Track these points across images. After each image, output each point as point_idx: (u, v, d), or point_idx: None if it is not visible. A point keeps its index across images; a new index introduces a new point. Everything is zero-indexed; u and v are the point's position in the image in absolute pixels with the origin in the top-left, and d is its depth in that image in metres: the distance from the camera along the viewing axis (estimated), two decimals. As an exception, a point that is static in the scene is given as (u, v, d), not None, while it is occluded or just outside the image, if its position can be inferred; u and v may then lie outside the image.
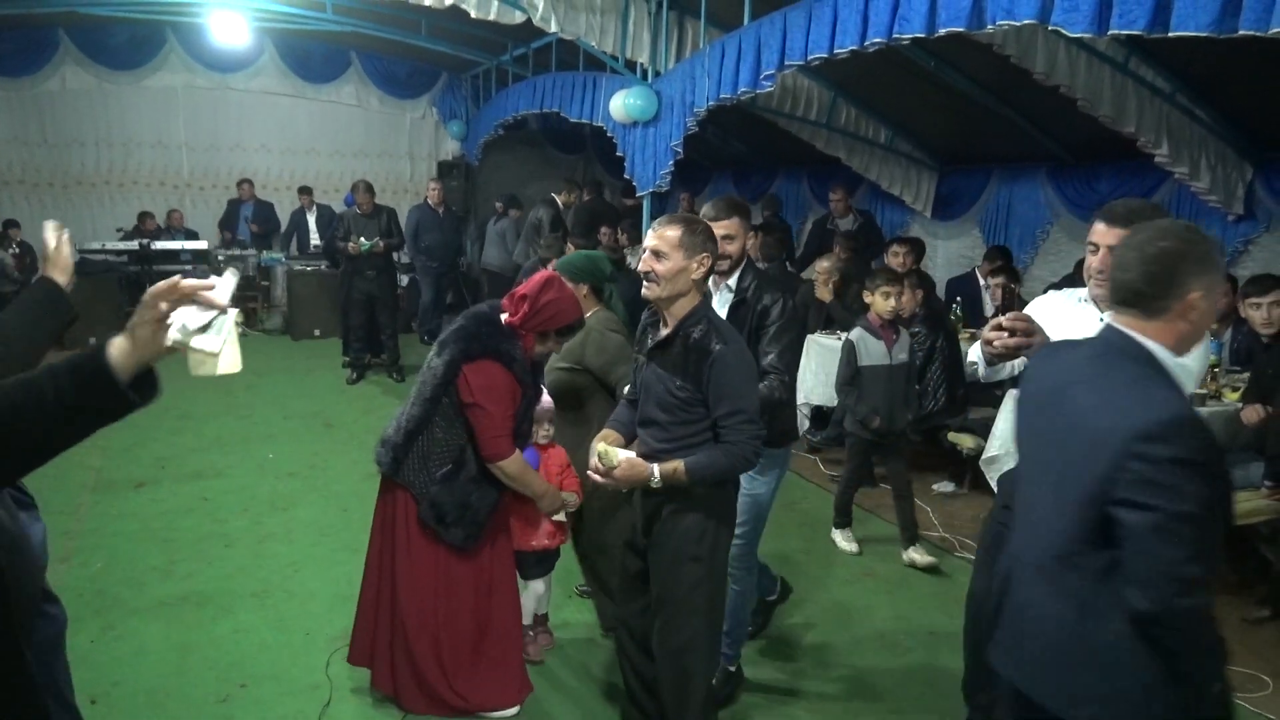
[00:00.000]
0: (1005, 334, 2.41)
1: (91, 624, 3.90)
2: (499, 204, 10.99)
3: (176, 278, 1.49)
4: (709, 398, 2.60)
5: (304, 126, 12.33)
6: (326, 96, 12.29)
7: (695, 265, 2.64)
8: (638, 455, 2.68)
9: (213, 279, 1.51)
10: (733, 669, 3.48)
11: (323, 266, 10.73)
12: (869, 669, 3.78)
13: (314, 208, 11.41)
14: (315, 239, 11.35)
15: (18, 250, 10.35)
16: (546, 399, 3.48)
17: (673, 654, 2.74)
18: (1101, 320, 2.27)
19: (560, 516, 3.50)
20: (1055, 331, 2.46)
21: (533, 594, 3.67)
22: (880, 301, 5.00)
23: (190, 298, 1.45)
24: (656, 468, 2.63)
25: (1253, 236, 6.45)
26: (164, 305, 1.44)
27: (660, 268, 2.62)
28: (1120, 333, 1.88)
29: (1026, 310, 2.63)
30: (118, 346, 1.42)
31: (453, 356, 3.07)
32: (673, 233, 2.65)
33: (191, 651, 3.70)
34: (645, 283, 2.67)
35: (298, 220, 11.46)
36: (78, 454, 5.48)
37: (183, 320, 1.43)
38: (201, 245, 10.74)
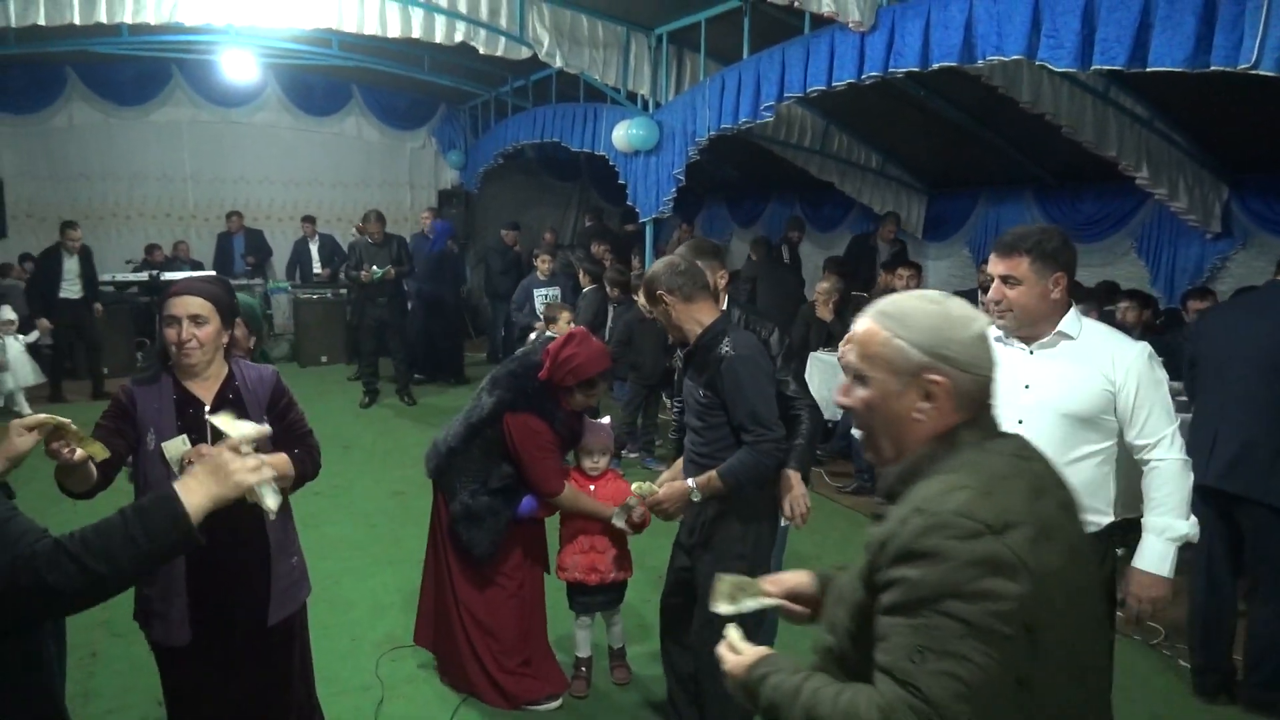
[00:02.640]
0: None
1: (147, 635, 4.10)
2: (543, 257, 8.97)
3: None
4: (725, 403, 2.83)
5: (306, 158, 12.60)
6: (328, 129, 12.58)
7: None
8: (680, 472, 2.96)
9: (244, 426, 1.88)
10: None
11: (328, 294, 10.97)
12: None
13: (316, 236, 11.67)
14: (317, 267, 11.60)
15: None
16: (603, 433, 3.63)
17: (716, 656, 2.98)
18: (1031, 353, 2.47)
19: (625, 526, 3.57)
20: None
21: (606, 627, 3.78)
22: None
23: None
24: (693, 482, 2.89)
25: (1229, 253, 6.81)
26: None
27: (666, 316, 2.93)
28: None
29: None
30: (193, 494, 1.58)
31: (499, 401, 3.34)
32: (655, 286, 2.88)
33: (245, 658, 3.91)
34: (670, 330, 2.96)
35: (300, 249, 11.71)
36: (116, 480, 5.73)
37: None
38: (209, 275, 10.93)
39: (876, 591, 1.32)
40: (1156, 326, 6.17)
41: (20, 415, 8.17)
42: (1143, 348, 2.45)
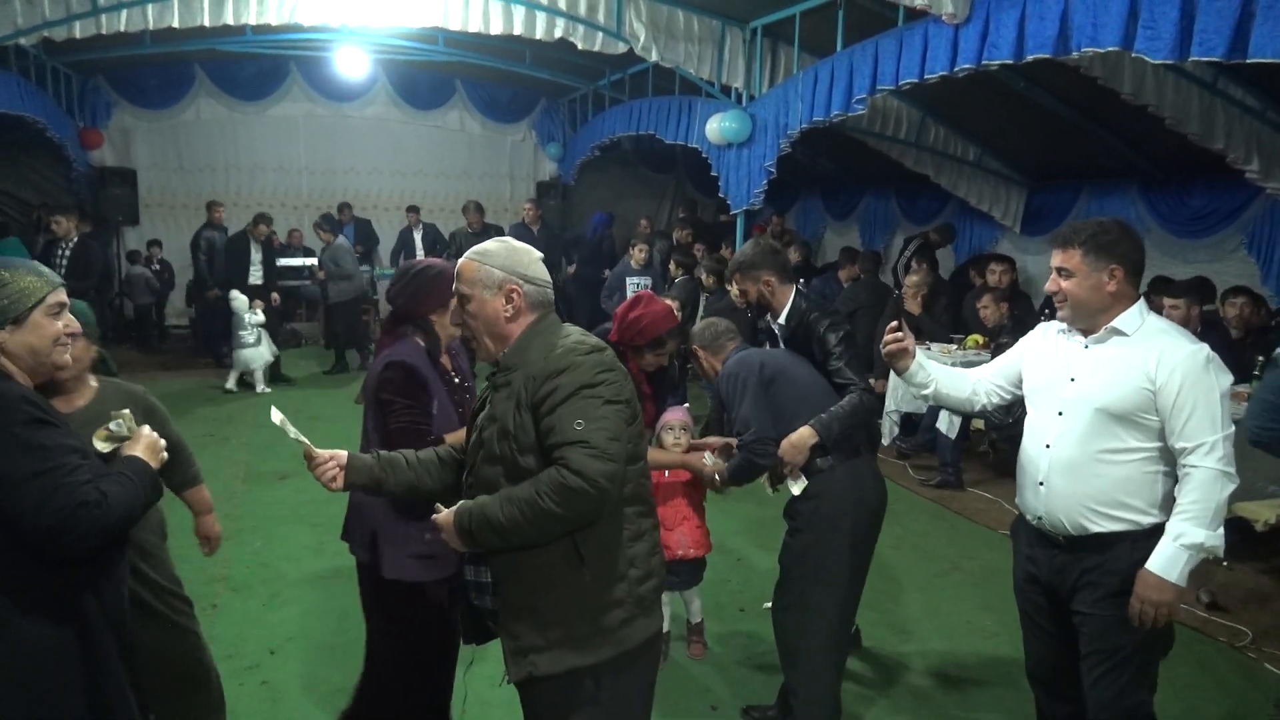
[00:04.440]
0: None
1: (261, 591, 4.47)
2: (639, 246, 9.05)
3: None
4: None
5: (412, 150, 13.10)
6: (433, 122, 13.03)
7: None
8: None
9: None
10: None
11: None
12: (959, 653, 4.07)
13: (420, 225, 12.13)
14: (421, 254, 12.06)
15: (158, 266, 11.32)
16: (678, 410, 3.79)
17: (776, 615, 3.15)
18: (1085, 346, 2.49)
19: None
20: (1037, 363, 2.64)
21: (684, 603, 3.94)
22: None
23: None
24: (718, 476, 3.32)
25: (1348, 249, 6.49)
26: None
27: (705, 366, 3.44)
28: None
29: (1021, 342, 2.80)
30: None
31: None
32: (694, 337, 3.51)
33: (349, 616, 4.19)
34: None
35: (405, 238, 12.16)
36: (227, 450, 6.27)
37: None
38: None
39: (536, 408, 1.98)
40: (1270, 325, 5.95)
41: (257, 391, 8.55)
42: (1197, 350, 2.36)
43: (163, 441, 2.17)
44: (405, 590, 2.64)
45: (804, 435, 3.01)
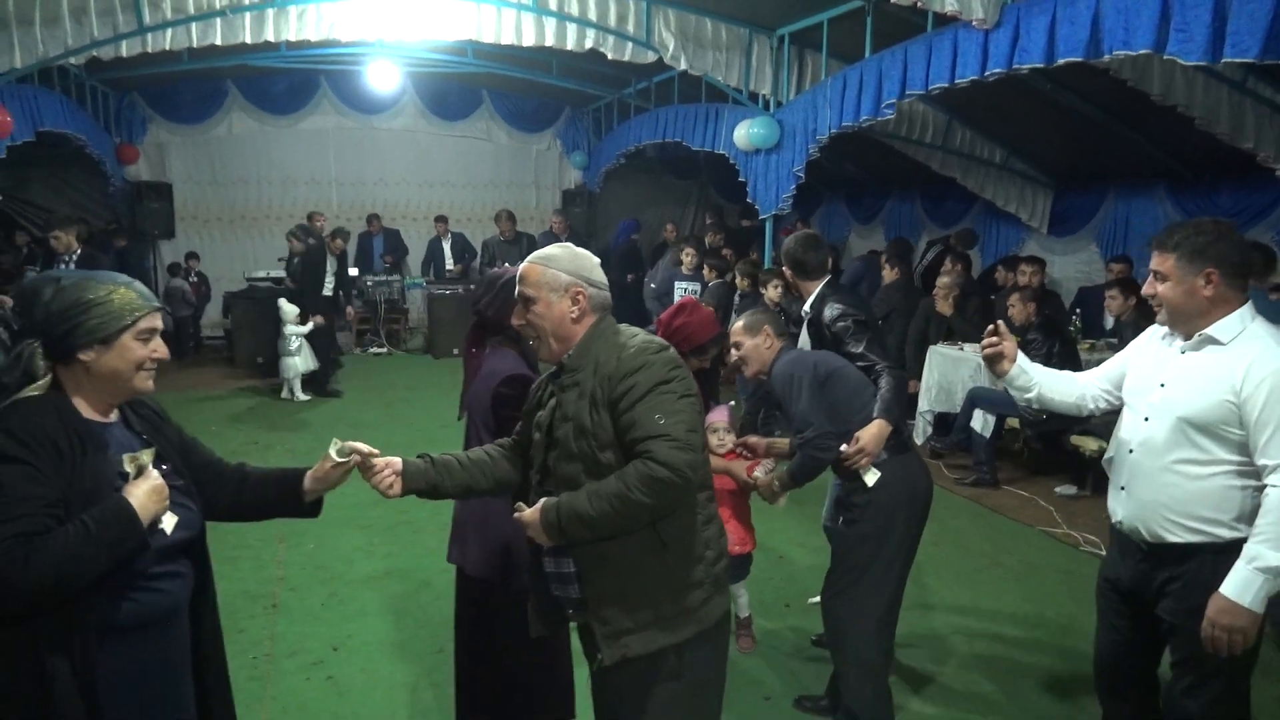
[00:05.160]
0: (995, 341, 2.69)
1: (319, 590, 4.61)
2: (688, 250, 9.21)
3: None
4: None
5: (439, 161, 13.27)
6: (460, 132, 13.20)
7: (763, 338, 3.33)
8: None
9: None
10: None
11: (460, 290, 11.57)
12: (1002, 644, 4.14)
13: (449, 235, 12.31)
14: (450, 264, 12.23)
15: (195, 279, 11.54)
16: (722, 411, 3.91)
17: (828, 601, 3.26)
18: (1181, 352, 2.43)
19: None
20: (1137, 366, 2.60)
21: (733, 597, 3.96)
22: None
23: None
24: (777, 483, 3.35)
25: (1380, 246, 6.52)
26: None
27: (743, 353, 3.40)
28: None
29: (1131, 345, 2.74)
30: None
31: None
32: (735, 326, 3.43)
33: (405, 614, 4.34)
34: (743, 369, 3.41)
35: (434, 247, 12.37)
36: (272, 457, 6.41)
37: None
38: (352, 272, 11.66)
39: (614, 405, 2.07)
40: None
41: (295, 400, 8.68)
42: None
43: (165, 489, 1.88)
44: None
45: (881, 427, 3.12)
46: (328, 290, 9.40)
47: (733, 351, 3.40)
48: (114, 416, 1.95)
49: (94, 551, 1.72)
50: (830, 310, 3.44)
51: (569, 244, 2.35)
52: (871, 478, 3.14)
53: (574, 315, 2.19)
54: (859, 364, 3.30)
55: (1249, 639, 2.28)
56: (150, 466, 1.89)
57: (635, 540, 2.08)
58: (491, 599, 2.78)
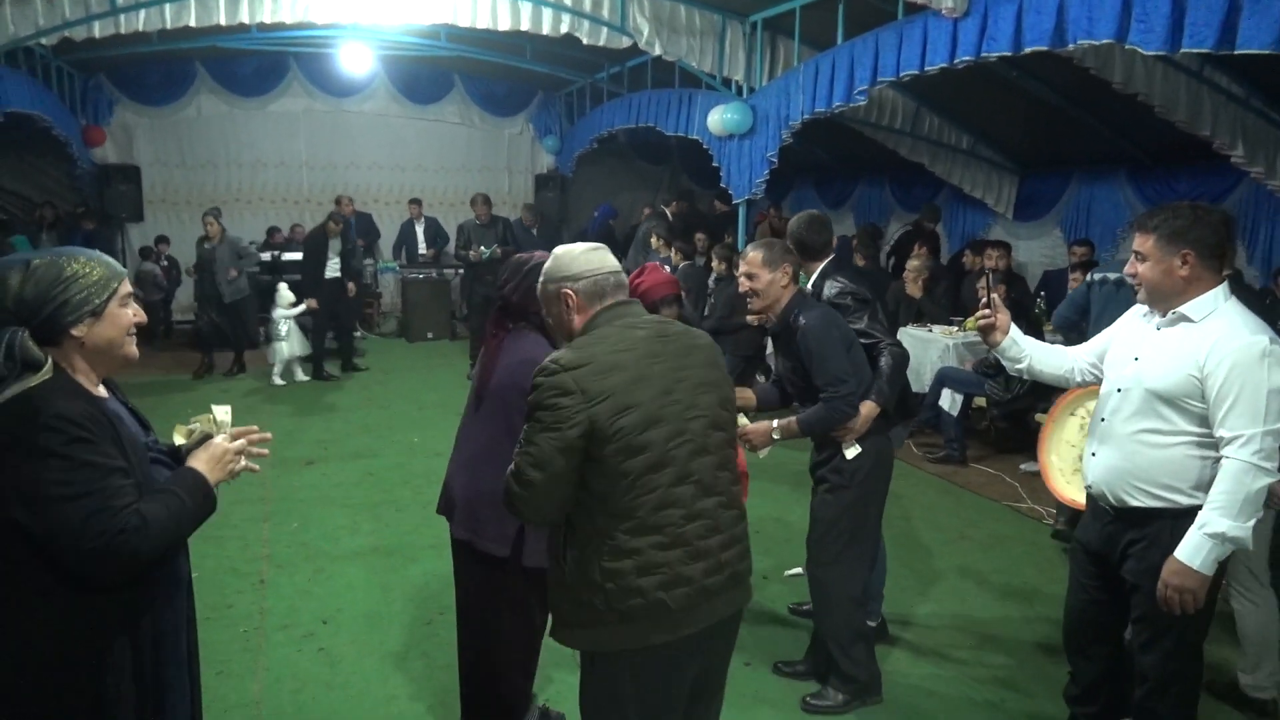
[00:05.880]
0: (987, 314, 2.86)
1: (305, 567, 4.68)
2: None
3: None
4: (808, 367, 3.22)
5: (412, 144, 13.23)
6: (432, 116, 13.17)
7: (781, 274, 3.28)
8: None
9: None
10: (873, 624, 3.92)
11: (434, 274, 11.59)
12: (971, 611, 4.33)
13: (422, 219, 12.30)
14: (423, 248, 12.23)
15: (165, 263, 11.45)
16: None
17: (820, 570, 3.38)
18: (1157, 329, 2.58)
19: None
20: (1118, 340, 2.74)
21: None
22: None
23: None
24: (777, 423, 3.32)
25: (1330, 231, 6.78)
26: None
27: (756, 285, 3.29)
28: None
29: (1117, 322, 2.85)
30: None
31: None
32: (755, 254, 3.29)
33: (392, 589, 4.43)
34: (749, 301, 3.34)
35: (407, 231, 12.34)
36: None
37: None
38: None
39: None
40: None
41: (294, 381, 8.65)
42: (1254, 341, 2.38)
43: (234, 451, 2.01)
44: (536, 576, 2.79)
45: (871, 409, 3.27)
46: (333, 272, 9.25)
47: (744, 280, 3.31)
48: (103, 390, 1.97)
49: (189, 520, 1.88)
50: (831, 287, 3.56)
51: (563, 247, 2.33)
52: (852, 451, 3.28)
53: (569, 313, 2.22)
54: (862, 340, 3.42)
55: (1199, 599, 2.42)
56: (212, 435, 2.03)
57: (551, 543, 2.24)
58: (503, 575, 2.87)
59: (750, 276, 3.28)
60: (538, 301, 2.54)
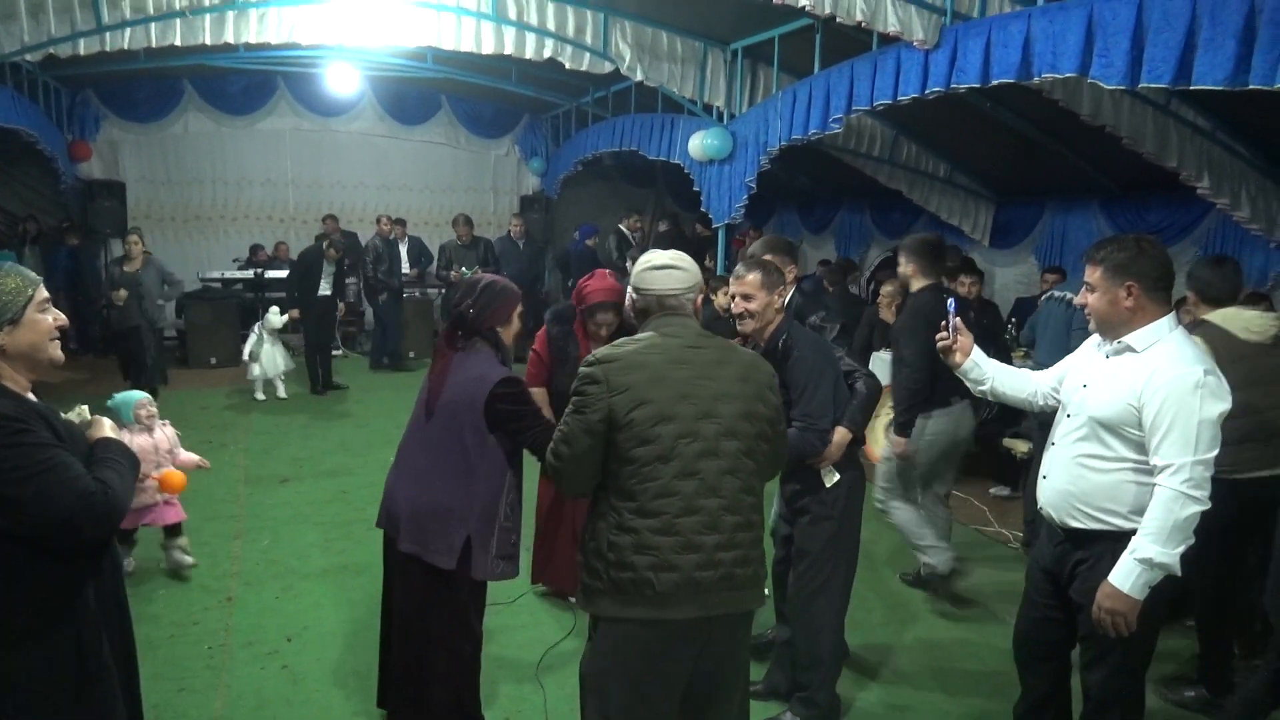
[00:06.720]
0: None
1: (273, 584, 4.69)
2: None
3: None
4: (790, 395, 3.21)
5: (397, 165, 13.34)
6: (418, 137, 13.28)
7: (776, 297, 3.33)
8: None
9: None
10: None
11: (417, 293, 11.63)
12: (934, 633, 4.37)
13: (405, 239, 12.33)
14: (406, 267, 12.26)
15: (148, 279, 11.41)
16: None
17: (806, 599, 3.40)
18: (1106, 357, 2.65)
19: None
20: (1073, 368, 2.81)
21: None
22: None
23: None
24: None
25: (1294, 262, 6.90)
26: None
27: (753, 306, 3.30)
28: None
29: (1078, 350, 2.91)
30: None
31: None
32: (753, 276, 3.31)
33: (359, 606, 4.45)
34: (739, 322, 3.35)
35: (391, 250, 12.35)
36: (226, 455, 6.43)
37: None
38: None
39: None
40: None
41: (276, 398, 8.58)
42: (1188, 373, 2.43)
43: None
44: (479, 588, 2.89)
45: (844, 435, 3.32)
46: (325, 290, 9.24)
47: (739, 301, 3.30)
48: (33, 396, 2.08)
49: (130, 478, 2.10)
50: (816, 317, 3.72)
51: (643, 260, 2.58)
52: (831, 479, 3.33)
53: (634, 317, 2.62)
54: (841, 366, 3.47)
55: (1130, 623, 2.48)
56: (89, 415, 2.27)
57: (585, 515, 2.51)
58: (448, 588, 2.91)
59: (747, 298, 3.28)
60: (495, 317, 2.65)
